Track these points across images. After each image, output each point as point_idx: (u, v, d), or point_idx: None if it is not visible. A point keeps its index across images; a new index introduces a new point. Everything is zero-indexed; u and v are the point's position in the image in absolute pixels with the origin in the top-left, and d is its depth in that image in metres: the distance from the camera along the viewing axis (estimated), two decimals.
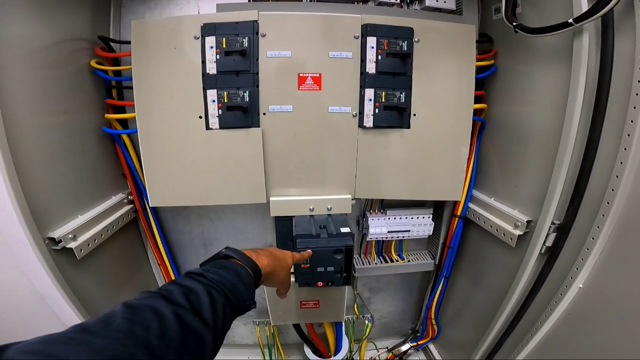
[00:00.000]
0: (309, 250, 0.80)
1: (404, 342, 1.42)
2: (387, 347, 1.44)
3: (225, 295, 0.44)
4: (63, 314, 0.79)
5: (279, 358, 1.35)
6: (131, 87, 0.87)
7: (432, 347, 1.38)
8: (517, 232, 0.87)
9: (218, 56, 0.85)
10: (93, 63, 0.91)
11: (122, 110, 0.99)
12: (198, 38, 0.85)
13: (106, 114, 0.96)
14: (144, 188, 1.00)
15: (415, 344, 1.38)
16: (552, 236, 0.79)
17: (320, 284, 0.86)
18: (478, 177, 1.09)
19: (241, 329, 1.42)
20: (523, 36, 0.79)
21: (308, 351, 1.26)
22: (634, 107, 0.59)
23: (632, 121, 0.59)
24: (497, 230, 0.95)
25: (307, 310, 1.08)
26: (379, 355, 1.41)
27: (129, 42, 0.86)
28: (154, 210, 1.08)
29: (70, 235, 0.79)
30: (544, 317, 0.80)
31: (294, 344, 1.41)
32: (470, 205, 1.09)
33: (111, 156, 1.02)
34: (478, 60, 0.94)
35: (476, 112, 0.98)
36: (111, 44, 0.95)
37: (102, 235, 0.90)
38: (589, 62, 0.67)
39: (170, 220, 1.16)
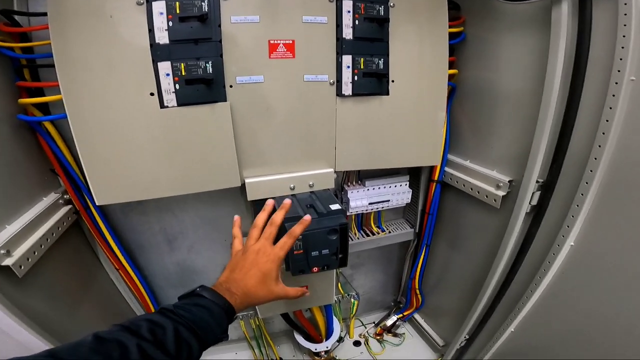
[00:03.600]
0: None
1: (388, 315, 1.48)
2: (373, 322, 1.50)
3: (192, 331, 0.49)
4: (20, 340, 0.66)
5: (268, 350, 1.32)
6: (48, 66, 0.72)
7: (417, 316, 1.46)
8: (501, 193, 0.93)
9: (171, 23, 0.74)
10: None
11: (40, 93, 0.82)
12: (142, 3, 0.72)
13: (20, 99, 0.78)
14: (83, 184, 0.88)
15: (401, 315, 1.44)
16: (537, 195, 0.84)
17: (315, 269, 0.83)
18: (451, 141, 1.13)
19: None
20: (491, 5, 0.83)
21: (300, 338, 1.25)
22: (618, 71, 0.64)
23: (616, 83, 0.64)
24: (478, 192, 1.01)
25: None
26: (367, 332, 1.46)
27: (41, 14, 0.71)
28: (100, 208, 0.94)
29: (2, 251, 0.65)
30: (538, 279, 0.84)
31: (282, 332, 1.40)
32: (447, 169, 1.14)
33: (33, 149, 0.85)
34: (448, 27, 0.95)
35: (448, 77, 1.00)
36: (16, 17, 0.78)
37: (41, 246, 0.76)
38: (568, 29, 0.71)
39: (122, 217, 1.02)
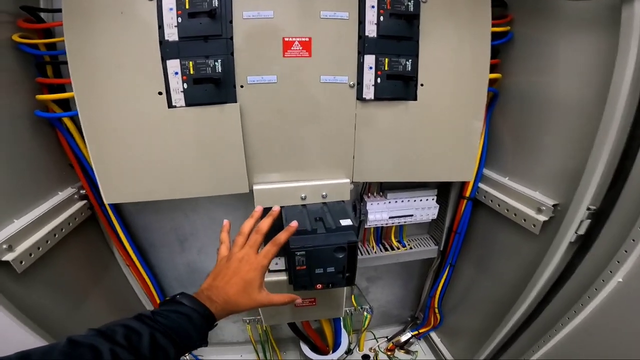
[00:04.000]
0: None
1: (403, 331, 1.39)
2: (386, 337, 1.42)
3: (169, 337, 0.49)
4: (15, 337, 0.68)
5: (273, 356, 1.30)
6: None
7: (434, 335, 1.36)
8: (542, 218, 0.80)
9: (180, 19, 0.70)
10: (16, 37, 0.74)
11: (61, 89, 0.83)
12: None
13: (37, 95, 0.79)
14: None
15: (416, 332, 1.35)
16: (586, 223, 0.72)
17: (319, 286, 0.77)
18: (489, 154, 1.01)
19: (231, 327, 1.35)
20: (546, 2, 0.74)
21: (305, 348, 1.21)
22: None
23: None
24: (515, 214, 0.88)
25: (303, 308, 1.01)
26: (378, 346, 1.38)
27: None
28: (114, 205, 0.94)
29: (4, 246, 0.66)
30: (573, 312, 0.75)
31: (289, 338, 1.36)
32: (481, 185, 1.01)
33: (52, 144, 0.86)
34: (492, 26, 0.83)
35: (489, 82, 0.88)
36: (42, 14, 0.79)
37: (47, 242, 0.77)
38: None
39: (135, 215, 1.02)
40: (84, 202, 0.92)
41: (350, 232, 0.76)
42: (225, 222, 0.72)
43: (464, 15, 0.79)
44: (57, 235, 0.80)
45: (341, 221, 0.79)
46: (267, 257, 0.63)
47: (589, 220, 0.72)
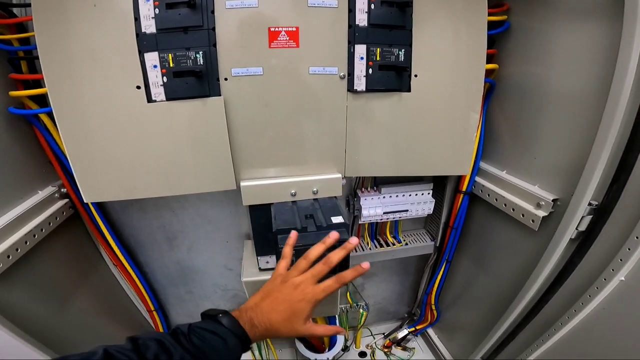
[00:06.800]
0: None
1: (400, 327, 1.38)
2: (383, 333, 1.41)
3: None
4: None
5: (269, 354, 1.28)
6: None
7: (431, 331, 1.35)
8: (541, 213, 0.78)
9: (157, 10, 0.66)
10: None
11: (37, 85, 0.79)
12: None
13: (11, 92, 0.76)
14: None
15: (413, 329, 1.34)
16: (587, 219, 0.69)
17: None
18: (486, 147, 0.98)
19: None
20: None
21: (301, 346, 1.19)
22: None
23: None
24: (513, 209, 0.86)
25: None
26: (375, 343, 1.37)
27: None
28: (97, 203, 0.91)
29: None
30: (573, 311, 0.73)
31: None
32: (478, 179, 0.99)
33: (30, 142, 0.83)
34: (488, 14, 0.79)
35: (485, 72, 0.84)
36: (14, 9, 0.76)
37: (27, 243, 0.74)
38: None
39: (120, 213, 0.99)
40: (66, 200, 0.88)
41: (343, 231, 0.73)
42: (293, 234, 0.67)
43: (459, 4, 0.75)
44: (36, 236, 0.77)
45: (332, 218, 0.77)
46: (325, 292, 0.58)
47: (591, 216, 0.69)
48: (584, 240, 0.71)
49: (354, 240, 0.62)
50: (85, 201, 0.77)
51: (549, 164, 0.80)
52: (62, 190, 0.88)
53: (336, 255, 0.60)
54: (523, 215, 0.83)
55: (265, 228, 0.85)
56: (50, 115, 0.79)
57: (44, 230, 0.80)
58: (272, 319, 0.55)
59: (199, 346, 0.49)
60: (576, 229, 0.71)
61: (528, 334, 0.89)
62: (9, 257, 0.69)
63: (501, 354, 1.00)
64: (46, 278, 0.83)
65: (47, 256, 0.83)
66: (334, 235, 0.64)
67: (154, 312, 1.15)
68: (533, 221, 0.81)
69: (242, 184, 0.81)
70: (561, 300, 0.78)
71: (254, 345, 1.27)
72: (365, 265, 0.60)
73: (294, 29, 0.72)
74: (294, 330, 0.57)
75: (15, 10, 0.76)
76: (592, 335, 0.72)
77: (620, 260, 0.63)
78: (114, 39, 0.67)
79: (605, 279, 0.66)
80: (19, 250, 0.72)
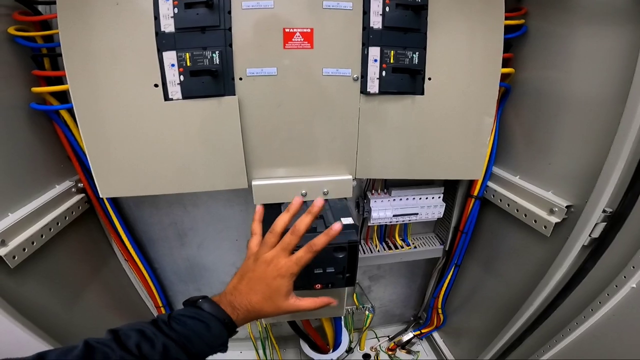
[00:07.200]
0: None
1: (405, 330, 1.37)
2: (388, 336, 1.40)
3: (183, 346, 0.48)
4: (7, 333, 0.67)
5: (273, 354, 1.29)
6: None
7: (436, 335, 1.35)
8: (554, 220, 0.77)
9: (176, 10, 0.68)
10: (12, 30, 0.73)
11: (58, 82, 0.81)
12: None
13: (33, 87, 0.78)
14: None
15: (418, 332, 1.33)
16: (601, 226, 0.69)
17: (318, 286, 0.75)
18: (499, 152, 0.97)
19: None
20: None
21: (305, 347, 1.19)
22: None
23: None
24: (525, 215, 0.85)
25: None
26: (379, 345, 1.37)
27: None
28: (112, 198, 0.93)
29: None
30: (582, 317, 0.72)
31: (289, 336, 1.35)
32: (490, 184, 0.98)
33: (50, 137, 0.85)
34: (505, 18, 0.79)
35: (501, 76, 0.84)
36: (39, 7, 0.78)
37: (42, 236, 0.76)
38: None
39: (134, 209, 1.01)
40: (82, 195, 0.91)
41: (352, 232, 0.74)
42: (259, 208, 0.64)
43: (475, 7, 0.75)
44: (52, 230, 0.79)
45: (342, 219, 0.76)
46: (298, 264, 0.55)
47: (604, 223, 0.68)
48: (596, 247, 0.70)
49: (318, 203, 0.57)
50: (100, 196, 0.79)
51: (564, 170, 0.79)
52: (79, 185, 0.90)
53: (302, 222, 0.56)
54: (535, 221, 0.83)
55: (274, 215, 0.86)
56: (70, 111, 0.82)
57: (59, 224, 0.82)
58: (252, 299, 0.54)
59: (181, 332, 0.48)
60: (589, 235, 0.70)
61: (535, 340, 0.88)
62: (24, 249, 0.71)
63: None
64: (59, 272, 0.85)
65: (61, 250, 0.85)
66: (297, 201, 0.60)
67: (162, 309, 1.17)
68: (545, 227, 0.80)
69: (254, 183, 0.82)
70: (570, 306, 0.77)
71: (259, 344, 1.28)
72: (337, 226, 0.55)
73: (309, 30, 0.72)
74: (278, 308, 0.55)
75: (40, 7, 0.79)
76: (601, 343, 0.70)
77: (633, 267, 0.62)
78: (134, 37, 0.68)
79: (616, 286, 0.66)
80: (34, 244, 0.74)
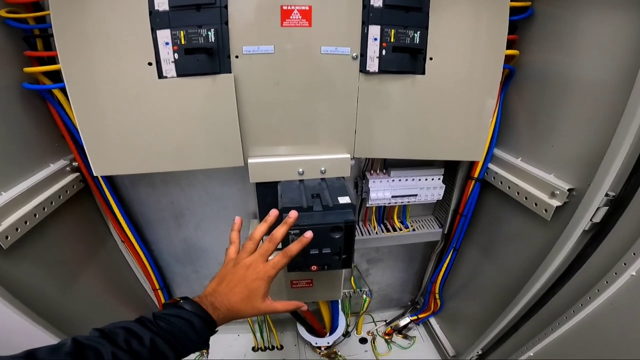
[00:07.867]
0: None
1: (402, 315, 1.39)
2: (385, 320, 1.42)
3: (169, 342, 0.50)
4: (2, 318, 0.68)
5: (270, 337, 1.31)
6: None
7: (433, 321, 1.36)
8: (555, 203, 0.76)
9: None
10: (2, 12, 0.72)
11: (51, 62, 0.81)
12: None
13: (25, 68, 0.77)
14: None
15: (415, 317, 1.35)
16: (603, 210, 0.68)
17: (314, 268, 0.75)
18: (501, 134, 0.96)
19: None
20: None
21: (302, 330, 1.21)
22: None
23: None
24: (525, 198, 0.84)
25: (299, 289, 1.00)
26: (376, 329, 1.38)
27: None
28: (107, 178, 0.93)
29: None
30: (580, 305, 0.72)
31: (286, 319, 1.37)
32: (491, 166, 0.97)
33: (44, 117, 0.84)
34: (511, 0, 0.77)
35: (505, 58, 0.82)
36: None
37: (36, 215, 0.75)
38: None
39: (130, 188, 1.01)
40: (77, 174, 0.90)
41: (349, 211, 0.74)
42: (237, 219, 0.69)
43: None
44: (46, 209, 0.78)
45: (339, 199, 0.76)
46: (275, 268, 0.60)
47: (606, 207, 0.67)
48: (597, 232, 0.70)
49: (293, 215, 0.65)
50: (94, 174, 0.78)
51: (567, 153, 0.78)
52: (74, 164, 0.90)
53: (279, 232, 0.62)
54: (536, 205, 0.82)
55: (272, 206, 0.84)
56: (63, 90, 0.80)
57: (53, 204, 0.81)
58: (232, 300, 0.58)
59: (167, 329, 0.51)
60: (590, 220, 0.70)
61: (531, 328, 0.88)
62: (17, 229, 0.70)
63: (502, 347, 1.00)
64: (54, 253, 0.85)
65: (56, 230, 0.85)
66: (273, 213, 0.67)
67: (159, 291, 1.18)
68: (546, 211, 0.79)
69: (250, 160, 0.81)
70: (569, 293, 0.77)
71: (256, 328, 1.30)
72: (308, 234, 0.63)
73: (307, 7, 0.70)
74: (255, 309, 0.59)
75: None
76: (597, 331, 0.71)
77: (634, 254, 0.62)
78: (127, 16, 0.67)
79: (616, 273, 0.65)
80: (27, 223, 0.73)
